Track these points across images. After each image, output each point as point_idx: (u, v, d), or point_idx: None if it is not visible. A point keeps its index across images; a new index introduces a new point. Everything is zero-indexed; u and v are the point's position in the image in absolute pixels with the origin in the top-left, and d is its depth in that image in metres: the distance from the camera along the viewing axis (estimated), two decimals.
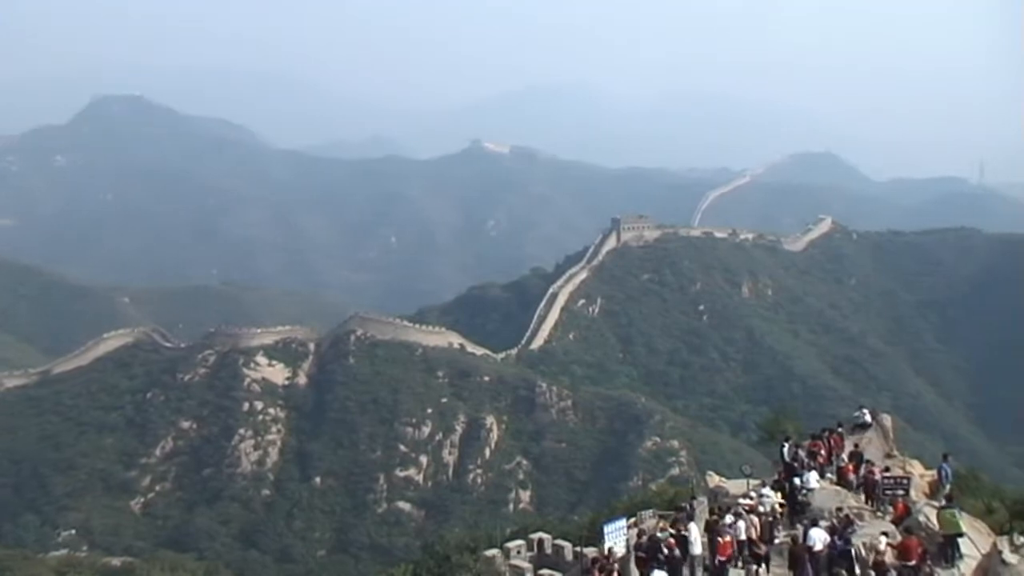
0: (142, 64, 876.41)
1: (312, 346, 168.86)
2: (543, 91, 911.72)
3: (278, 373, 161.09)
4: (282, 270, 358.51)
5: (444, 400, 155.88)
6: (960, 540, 25.16)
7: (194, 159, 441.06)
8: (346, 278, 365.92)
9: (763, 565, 24.38)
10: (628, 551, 26.67)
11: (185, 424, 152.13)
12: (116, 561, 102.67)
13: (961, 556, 24.84)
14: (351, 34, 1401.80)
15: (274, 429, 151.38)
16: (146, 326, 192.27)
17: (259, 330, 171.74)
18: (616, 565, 24.14)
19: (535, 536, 42.56)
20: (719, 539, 25.85)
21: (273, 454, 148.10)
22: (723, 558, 25.63)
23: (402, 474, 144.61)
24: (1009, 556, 14.96)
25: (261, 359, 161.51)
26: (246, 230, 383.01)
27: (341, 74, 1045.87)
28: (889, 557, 23.24)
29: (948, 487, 31.37)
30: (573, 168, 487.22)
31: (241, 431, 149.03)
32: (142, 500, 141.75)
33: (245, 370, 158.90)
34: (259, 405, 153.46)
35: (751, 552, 25.84)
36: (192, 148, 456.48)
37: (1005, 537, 17.56)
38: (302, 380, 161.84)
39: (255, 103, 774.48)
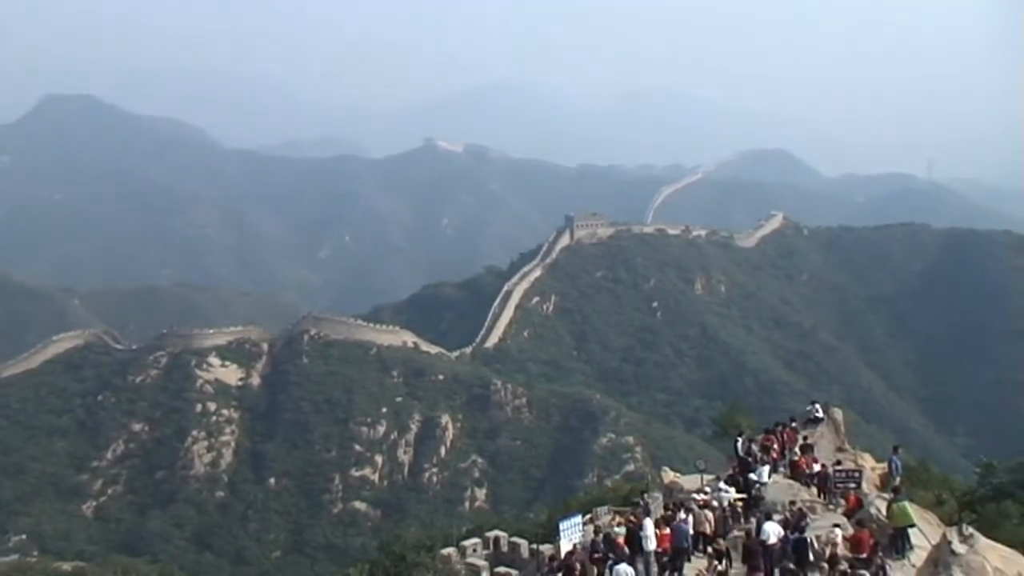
0: (91, 63, 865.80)
1: (266, 346, 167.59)
2: (495, 90, 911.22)
3: (231, 374, 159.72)
4: (235, 270, 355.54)
5: (399, 399, 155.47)
6: (911, 531, 25.46)
7: (145, 159, 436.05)
8: (300, 278, 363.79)
9: (723, 561, 24.51)
10: (583, 548, 26.72)
11: (137, 426, 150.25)
12: (67, 566, 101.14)
13: (912, 547, 25.13)
14: (304, 34, 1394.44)
15: (228, 430, 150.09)
16: (97, 328, 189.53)
17: (212, 331, 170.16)
18: (579, 563, 24.15)
19: (491, 534, 42.53)
20: (658, 532, 26.12)
21: (227, 455, 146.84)
22: (659, 550, 25.85)
23: (357, 474, 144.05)
24: (958, 546, 15.16)
25: (214, 360, 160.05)
26: (198, 230, 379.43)
27: (294, 74, 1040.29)
28: (841, 549, 23.46)
29: (898, 479, 31.75)
30: (526, 166, 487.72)
31: (194, 433, 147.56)
32: (94, 504, 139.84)
33: (198, 371, 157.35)
34: (212, 406, 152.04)
35: (712, 547, 25.98)
36: (143, 148, 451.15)
37: (954, 528, 17.78)
38: (256, 381, 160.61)
39: (206, 102, 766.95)
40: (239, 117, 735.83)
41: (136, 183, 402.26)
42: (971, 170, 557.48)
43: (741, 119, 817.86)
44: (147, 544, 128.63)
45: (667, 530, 26.32)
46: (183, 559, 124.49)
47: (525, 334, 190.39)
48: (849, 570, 21.41)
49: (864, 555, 22.92)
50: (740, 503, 30.14)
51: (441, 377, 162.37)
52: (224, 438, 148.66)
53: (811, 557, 24.15)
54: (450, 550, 41.20)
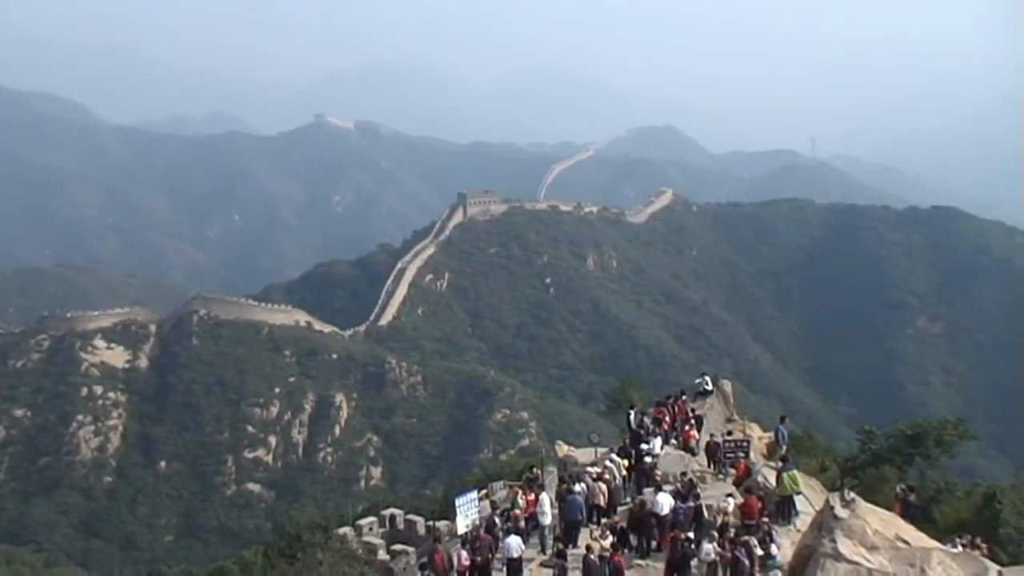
0: None
1: (153, 328, 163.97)
2: (386, 67, 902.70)
3: (118, 356, 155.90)
4: (119, 251, 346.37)
5: (292, 379, 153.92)
6: (796, 498, 26.28)
7: (20, 135, 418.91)
8: (188, 258, 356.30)
9: (616, 533, 24.84)
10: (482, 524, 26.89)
11: (18, 412, 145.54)
12: None
13: (797, 513, 25.93)
14: (187, 4, 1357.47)
15: (115, 414, 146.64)
16: None
17: (96, 313, 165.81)
18: (489, 540, 24.24)
19: (387, 512, 42.54)
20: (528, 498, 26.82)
21: (115, 440, 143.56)
22: (526, 515, 26.45)
23: (251, 455, 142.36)
24: (840, 511, 15.75)
25: (99, 343, 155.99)
26: (80, 210, 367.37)
27: (176, 45, 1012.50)
28: (732, 517, 24.05)
29: (784, 448, 32.64)
30: (419, 144, 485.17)
31: (79, 417, 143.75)
32: None
33: (82, 354, 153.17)
34: (98, 390, 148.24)
35: (605, 522, 26.37)
36: (18, 124, 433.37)
37: (837, 493, 18.46)
38: (143, 363, 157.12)
39: (83, 76, 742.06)
40: (117, 91, 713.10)
41: (11, 161, 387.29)
42: (850, 148, 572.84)
43: (631, 99, 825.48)
44: (31, 533, 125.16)
45: (531, 496, 27.12)
46: (70, 547, 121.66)
47: (419, 312, 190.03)
48: (738, 537, 21.98)
49: (753, 521, 23.56)
50: (629, 471, 30.57)
51: (335, 356, 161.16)
52: (111, 422, 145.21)
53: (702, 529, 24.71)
54: (346, 529, 41.08)
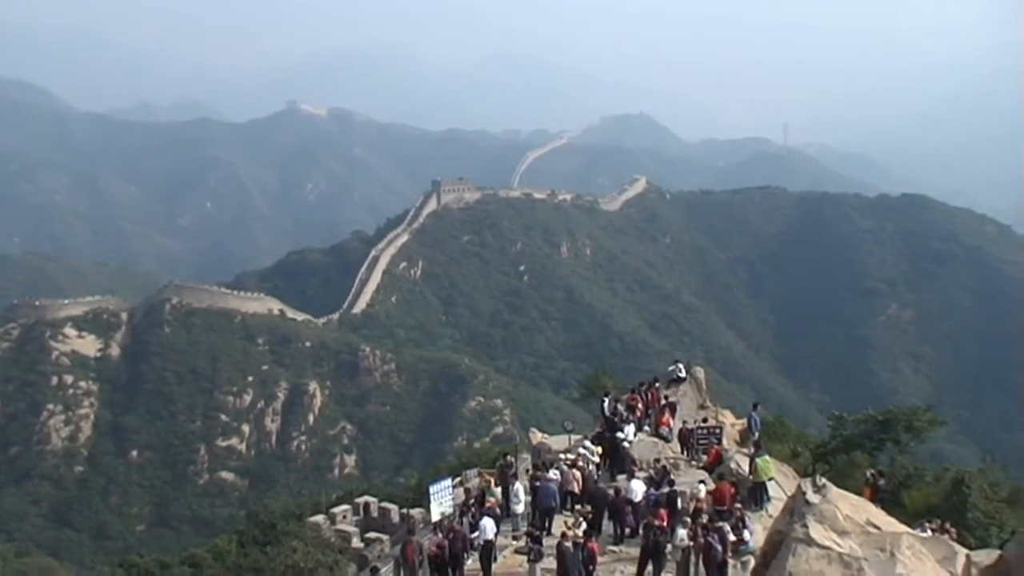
0: None
1: (125, 316, 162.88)
2: (359, 53, 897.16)
3: (89, 345, 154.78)
4: (89, 240, 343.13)
5: (265, 367, 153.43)
6: (768, 484, 26.50)
7: None
8: (159, 246, 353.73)
9: (589, 520, 24.91)
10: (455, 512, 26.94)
11: None
12: None
13: (769, 499, 26.15)
14: None
15: (86, 403, 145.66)
16: None
17: (67, 301, 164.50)
18: (462, 531, 24.22)
19: (361, 500, 42.57)
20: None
21: (86, 429, 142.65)
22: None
23: (224, 444, 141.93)
24: (812, 496, 15.93)
25: (70, 331, 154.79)
26: (49, 197, 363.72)
27: (143, 30, 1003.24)
28: (704, 503, 24.22)
29: (756, 435, 32.89)
30: (392, 131, 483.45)
31: (50, 407, 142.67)
32: None
33: (52, 343, 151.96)
34: (69, 379, 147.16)
35: (578, 509, 26.44)
36: None
37: (808, 479, 18.68)
38: (115, 352, 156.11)
39: (48, 61, 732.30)
40: (84, 78, 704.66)
41: None
42: (822, 135, 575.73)
43: (605, 87, 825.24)
44: (2, 523, 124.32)
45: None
46: (40, 537, 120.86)
47: (393, 299, 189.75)
48: (710, 523, 22.14)
49: (725, 507, 23.73)
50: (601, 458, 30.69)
51: (308, 344, 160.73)
52: (82, 411, 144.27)
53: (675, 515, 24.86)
54: (319, 517, 41.08)
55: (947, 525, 24.27)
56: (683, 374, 42.76)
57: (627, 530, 25.04)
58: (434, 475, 45.15)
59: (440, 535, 23.41)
